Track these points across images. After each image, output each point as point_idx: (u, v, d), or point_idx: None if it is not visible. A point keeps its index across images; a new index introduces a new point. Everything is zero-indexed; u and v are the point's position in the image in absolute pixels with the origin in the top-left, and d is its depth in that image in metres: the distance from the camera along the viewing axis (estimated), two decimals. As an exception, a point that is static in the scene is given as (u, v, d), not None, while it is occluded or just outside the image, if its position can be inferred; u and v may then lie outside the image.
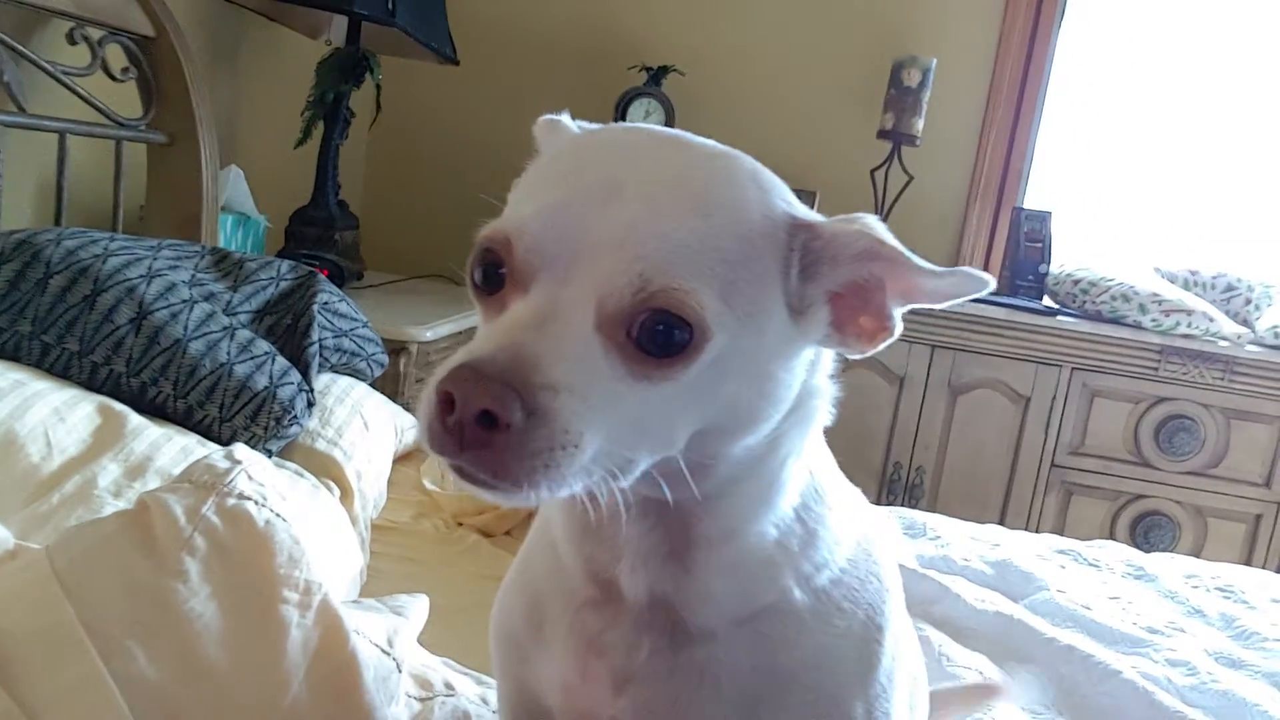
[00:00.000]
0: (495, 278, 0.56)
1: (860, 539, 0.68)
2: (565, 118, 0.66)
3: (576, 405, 0.50)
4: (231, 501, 0.78)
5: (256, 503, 0.79)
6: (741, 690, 0.63)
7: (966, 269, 0.58)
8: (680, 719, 0.64)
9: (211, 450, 0.98)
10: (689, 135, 0.61)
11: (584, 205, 0.54)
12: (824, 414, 0.64)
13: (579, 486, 0.52)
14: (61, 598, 0.68)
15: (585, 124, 0.66)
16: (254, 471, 0.82)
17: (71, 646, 0.66)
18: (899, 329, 0.61)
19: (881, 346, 0.61)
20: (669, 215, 0.53)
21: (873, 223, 0.59)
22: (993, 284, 0.59)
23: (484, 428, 0.49)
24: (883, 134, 2.71)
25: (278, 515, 0.79)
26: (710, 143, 0.60)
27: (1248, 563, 2.50)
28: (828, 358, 0.64)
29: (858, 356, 0.62)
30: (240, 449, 0.84)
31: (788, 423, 0.60)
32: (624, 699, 0.64)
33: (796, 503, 0.64)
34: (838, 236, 0.58)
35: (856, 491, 0.73)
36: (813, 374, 0.62)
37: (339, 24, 2.34)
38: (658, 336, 0.52)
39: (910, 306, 0.60)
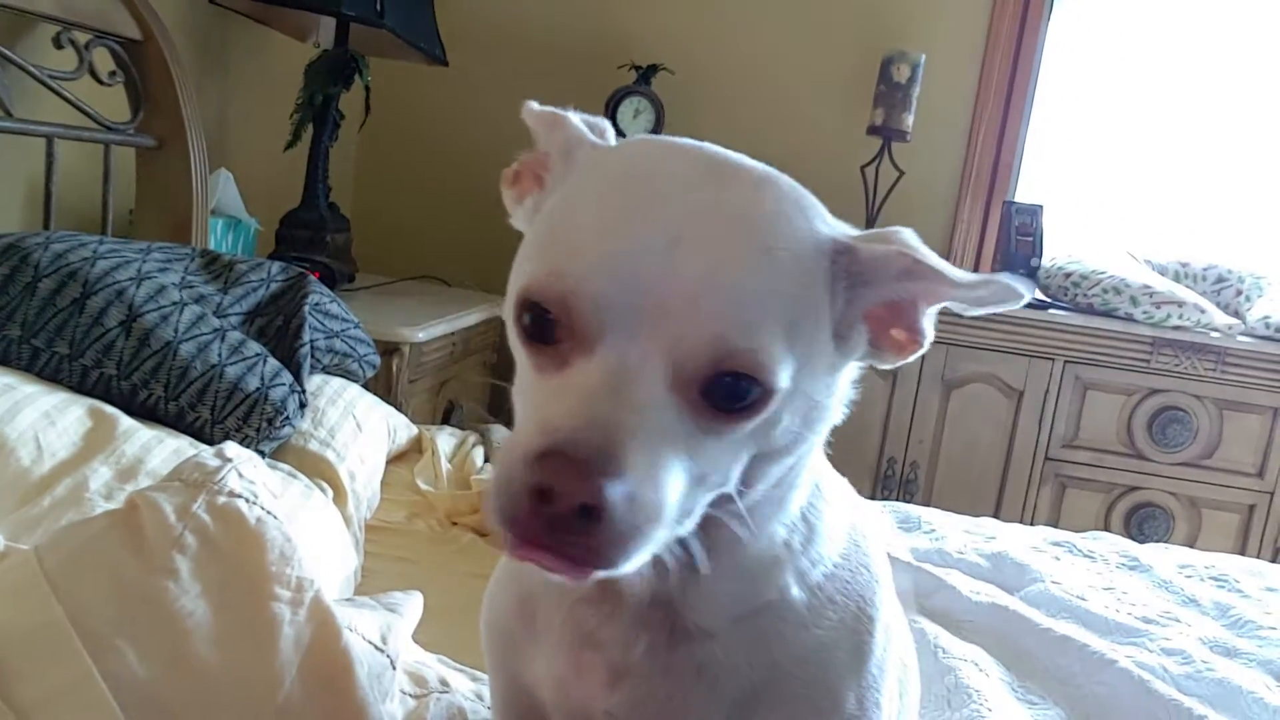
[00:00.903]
0: (546, 326, 0.53)
1: (850, 529, 0.69)
2: (571, 114, 0.63)
3: (663, 477, 0.49)
4: (222, 499, 0.77)
5: (247, 500, 0.78)
6: (738, 686, 0.63)
7: (1005, 276, 0.57)
8: (675, 714, 0.64)
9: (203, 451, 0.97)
10: (722, 153, 0.58)
11: (647, 256, 0.51)
12: (838, 415, 0.64)
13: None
14: (51, 597, 0.68)
15: (589, 117, 0.64)
16: (245, 469, 0.81)
17: (61, 646, 0.66)
18: (929, 339, 0.60)
19: (911, 358, 0.61)
20: (735, 266, 0.51)
21: (909, 239, 0.58)
22: (1029, 296, 0.57)
23: (583, 518, 0.47)
24: (873, 130, 2.71)
25: (269, 513, 0.79)
26: (745, 161, 0.58)
27: (1242, 553, 2.51)
28: (852, 365, 0.63)
29: (887, 367, 0.62)
30: (231, 447, 0.84)
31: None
32: (618, 694, 0.64)
33: (804, 502, 0.64)
34: (876, 258, 0.57)
35: (844, 481, 0.73)
36: None
37: (327, 26, 2.33)
38: (732, 392, 0.51)
39: (938, 308, 0.60)
